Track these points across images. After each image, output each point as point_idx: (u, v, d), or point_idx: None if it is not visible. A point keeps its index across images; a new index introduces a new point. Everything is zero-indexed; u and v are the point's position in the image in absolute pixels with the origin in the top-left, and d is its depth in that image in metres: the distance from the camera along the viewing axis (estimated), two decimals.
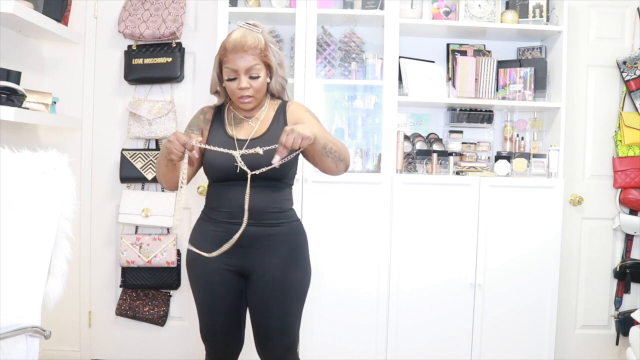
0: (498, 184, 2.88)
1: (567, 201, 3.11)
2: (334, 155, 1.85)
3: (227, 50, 1.88)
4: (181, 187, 1.80)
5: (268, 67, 1.92)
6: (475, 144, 3.04)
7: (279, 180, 1.92)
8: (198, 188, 3.03)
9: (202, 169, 2.00)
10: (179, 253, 3.05)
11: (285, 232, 1.94)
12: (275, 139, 1.86)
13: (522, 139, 3.06)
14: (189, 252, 2.01)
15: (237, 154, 1.80)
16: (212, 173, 1.92)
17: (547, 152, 2.95)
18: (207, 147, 1.83)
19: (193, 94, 3.10)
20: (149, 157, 3.01)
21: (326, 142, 1.82)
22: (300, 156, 1.92)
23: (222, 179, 1.88)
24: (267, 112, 1.98)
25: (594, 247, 3.16)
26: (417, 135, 3.09)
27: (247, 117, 1.98)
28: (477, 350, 2.89)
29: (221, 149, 1.81)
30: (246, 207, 1.82)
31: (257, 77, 1.89)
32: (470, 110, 3.03)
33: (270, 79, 1.96)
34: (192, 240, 2.00)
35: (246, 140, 1.92)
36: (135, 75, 3.01)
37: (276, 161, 1.72)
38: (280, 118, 1.96)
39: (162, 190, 3.08)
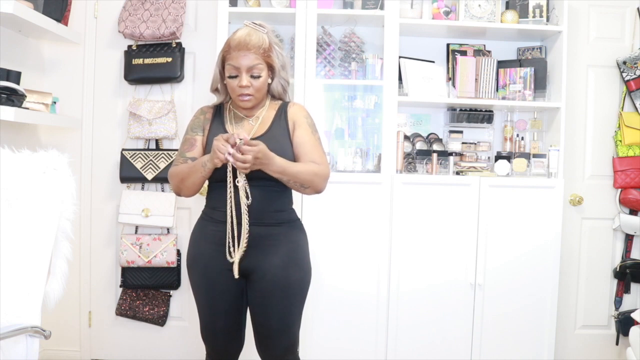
0: (498, 184, 2.88)
1: (567, 201, 3.11)
2: (294, 184, 1.88)
3: (231, 47, 1.88)
4: (238, 183, 1.84)
5: (270, 67, 1.93)
6: (475, 144, 3.04)
7: (278, 180, 1.92)
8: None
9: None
10: (179, 253, 3.05)
11: (286, 232, 1.95)
12: (276, 139, 1.87)
13: (522, 139, 3.06)
14: (189, 251, 2.01)
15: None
16: (214, 173, 1.92)
17: (547, 152, 2.95)
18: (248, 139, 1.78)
19: (193, 94, 3.10)
20: (149, 157, 3.01)
21: (284, 175, 1.84)
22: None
23: (222, 178, 1.88)
24: (267, 112, 1.98)
25: (594, 247, 3.16)
26: (417, 135, 3.09)
27: (248, 116, 1.98)
28: (477, 350, 2.89)
29: (254, 141, 1.78)
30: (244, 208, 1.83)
31: (259, 77, 1.90)
32: (470, 110, 3.03)
33: (272, 80, 1.97)
34: (193, 240, 2.01)
35: None
36: (135, 75, 3.00)
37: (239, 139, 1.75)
38: (281, 118, 1.97)
39: (162, 190, 3.08)
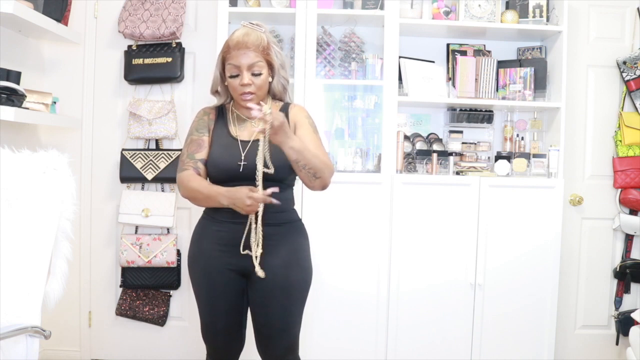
0: (498, 184, 2.88)
1: (567, 201, 3.11)
2: (308, 172, 1.85)
3: (230, 47, 1.89)
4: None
5: (270, 66, 1.93)
6: (475, 144, 3.04)
7: (281, 181, 1.92)
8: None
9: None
10: (179, 253, 3.05)
11: (287, 232, 1.95)
12: None
13: (522, 139, 3.06)
14: (191, 251, 2.01)
15: (258, 193, 1.79)
16: (216, 173, 1.92)
17: (547, 152, 2.95)
18: (273, 201, 1.79)
19: (193, 94, 3.10)
20: (149, 157, 3.01)
21: (301, 158, 1.81)
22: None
23: (226, 180, 1.88)
24: None
25: (594, 247, 3.16)
26: (417, 135, 3.09)
27: (250, 117, 1.98)
28: (477, 350, 2.89)
29: (261, 190, 1.80)
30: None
31: (260, 75, 1.90)
32: (470, 110, 3.03)
33: (272, 78, 1.97)
34: (194, 240, 2.01)
35: (249, 141, 1.92)
36: (135, 75, 3.01)
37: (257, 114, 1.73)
38: None
39: (162, 190, 3.08)
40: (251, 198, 1.75)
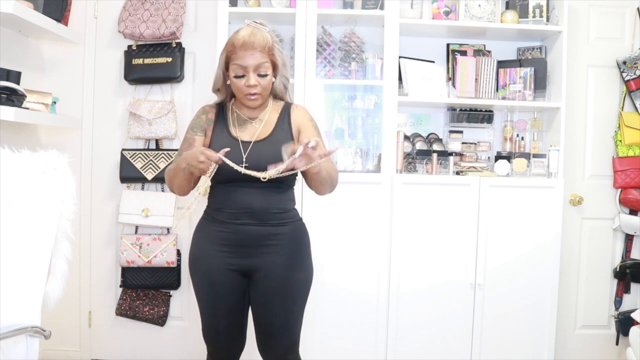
0: (498, 184, 2.88)
1: (567, 201, 3.11)
2: (330, 184, 1.92)
3: (235, 47, 1.87)
4: (199, 194, 1.84)
5: (274, 65, 1.93)
6: (475, 144, 3.04)
7: (282, 182, 1.92)
8: (198, 188, 3.02)
9: None
10: (179, 253, 3.05)
11: (289, 231, 1.95)
12: (279, 142, 1.86)
13: (522, 139, 3.06)
14: (192, 252, 2.01)
15: (241, 169, 1.80)
16: (218, 175, 1.91)
17: (547, 152, 2.95)
18: (226, 160, 1.78)
19: (193, 94, 3.10)
20: (149, 157, 3.01)
21: (327, 174, 1.87)
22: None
23: (227, 181, 1.88)
24: (270, 114, 1.98)
25: (594, 247, 3.16)
26: (417, 135, 3.09)
27: (251, 118, 1.97)
28: (477, 351, 2.89)
29: (234, 165, 1.79)
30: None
31: (265, 75, 1.89)
32: (470, 110, 3.03)
33: (275, 78, 1.96)
34: (195, 241, 2.01)
35: (250, 142, 1.92)
36: (135, 75, 3.01)
37: (285, 167, 1.72)
38: (284, 120, 1.97)
39: (162, 190, 3.08)
40: (204, 154, 1.76)
